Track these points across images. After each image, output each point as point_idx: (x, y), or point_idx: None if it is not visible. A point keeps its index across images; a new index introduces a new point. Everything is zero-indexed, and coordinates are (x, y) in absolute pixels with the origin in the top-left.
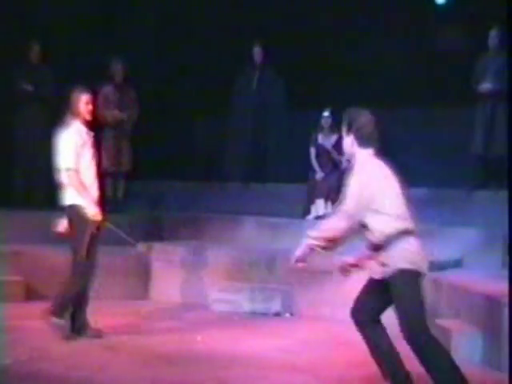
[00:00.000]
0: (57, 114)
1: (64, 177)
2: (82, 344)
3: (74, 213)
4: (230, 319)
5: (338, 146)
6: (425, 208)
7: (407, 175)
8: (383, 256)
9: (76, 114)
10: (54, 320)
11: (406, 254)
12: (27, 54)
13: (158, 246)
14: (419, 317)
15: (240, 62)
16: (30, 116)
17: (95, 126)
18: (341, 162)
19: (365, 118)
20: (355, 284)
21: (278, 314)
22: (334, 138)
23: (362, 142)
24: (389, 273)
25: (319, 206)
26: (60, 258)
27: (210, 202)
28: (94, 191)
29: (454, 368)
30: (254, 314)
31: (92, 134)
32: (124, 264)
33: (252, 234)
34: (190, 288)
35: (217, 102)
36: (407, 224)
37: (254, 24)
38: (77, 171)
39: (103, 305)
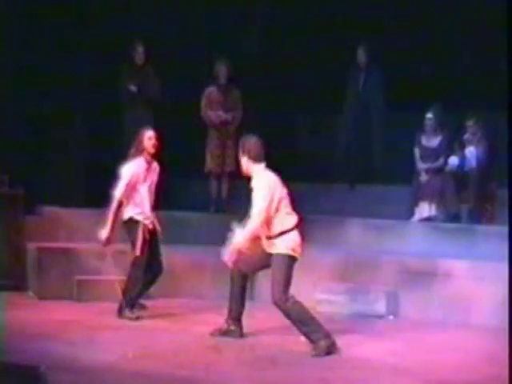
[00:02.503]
0: (162, 114)
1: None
2: (186, 343)
3: (128, 225)
4: (333, 320)
5: (441, 147)
6: None
7: None
8: None
9: (140, 150)
10: (127, 313)
11: None
12: (132, 56)
13: None
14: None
15: (346, 63)
16: (137, 117)
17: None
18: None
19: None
20: (460, 286)
21: (381, 316)
22: (437, 139)
23: (254, 159)
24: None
25: (423, 209)
26: (163, 259)
27: (315, 204)
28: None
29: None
30: (357, 316)
31: (155, 166)
32: None
33: (357, 235)
34: (293, 289)
35: (320, 103)
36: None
37: (358, 25)
38: (120, 201)
39: (209, 304)
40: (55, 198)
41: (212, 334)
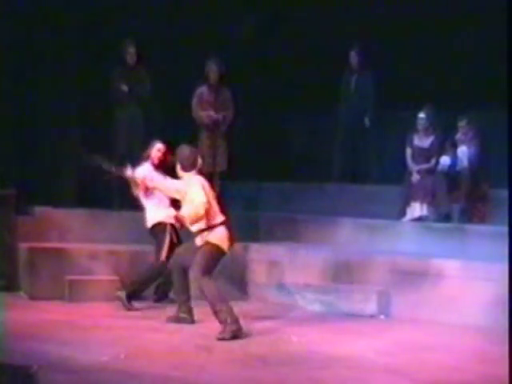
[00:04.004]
0: (153, 114)
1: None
2: (177, 344)
3: (155, 228)
4: (325, 320)
5: (433, 147)
6: None
7: None
8: None
9: (146, 157)
10: (125, 301)
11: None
12: (123, 56)
13: (253, 247)
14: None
15: (341, 64)
16: (128, 116)
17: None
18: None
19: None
20: (451, 286)
21: (373, 316)
22: (429, 139)
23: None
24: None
25: (415, 209)
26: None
27: (306, 203)
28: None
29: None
30: (349, 315)
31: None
32: (220, 264)
33: (348, 235)
34: (285, 288)
35: (313, 103)
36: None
37: (351, 27)
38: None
39: (200, 304)
40: (47, 199)
41: (167, 321)
